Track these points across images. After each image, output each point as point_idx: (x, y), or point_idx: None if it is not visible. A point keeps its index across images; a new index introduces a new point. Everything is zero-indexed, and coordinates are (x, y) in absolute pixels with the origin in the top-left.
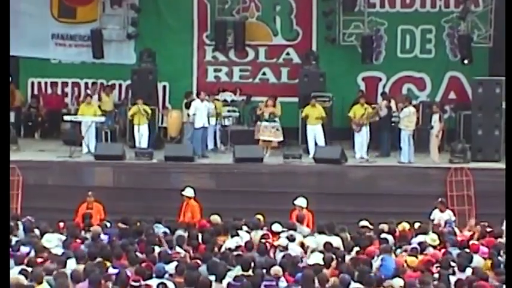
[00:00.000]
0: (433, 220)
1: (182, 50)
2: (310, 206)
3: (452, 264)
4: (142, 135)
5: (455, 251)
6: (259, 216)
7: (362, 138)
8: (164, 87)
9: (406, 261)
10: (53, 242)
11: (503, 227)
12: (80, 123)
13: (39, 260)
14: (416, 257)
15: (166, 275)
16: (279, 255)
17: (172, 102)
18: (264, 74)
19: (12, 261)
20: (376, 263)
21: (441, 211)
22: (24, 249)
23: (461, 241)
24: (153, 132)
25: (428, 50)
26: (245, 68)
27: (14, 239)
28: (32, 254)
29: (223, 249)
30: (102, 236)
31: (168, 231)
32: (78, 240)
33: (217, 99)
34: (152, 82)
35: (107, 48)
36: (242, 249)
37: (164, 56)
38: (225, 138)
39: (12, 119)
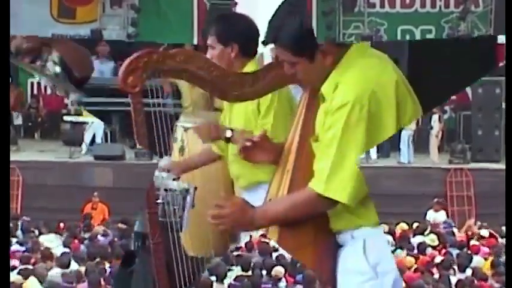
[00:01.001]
0: (428, 221)
1: None
2: None
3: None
4: None
5: (455, 251)
6: None
7: None
8: None
9: (405, 262)
10: (53, 242)
11: (503, 228)
12: (80, 123)
13: (38, 260)
14: (416, 258)
15: None
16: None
17: None
18: None
19: (11, 262)
20: None
21: (436, 211)
22: (22, 250)
23: (461, 241)
24: None
25: None
26: None
27: (13, 240)
28: (31, 254)
29: None
30: (101, 237)
31: None
32: (77, 241)
33: None
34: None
35: None
36: (242, 250)
37: None
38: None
39: (20, 121)
